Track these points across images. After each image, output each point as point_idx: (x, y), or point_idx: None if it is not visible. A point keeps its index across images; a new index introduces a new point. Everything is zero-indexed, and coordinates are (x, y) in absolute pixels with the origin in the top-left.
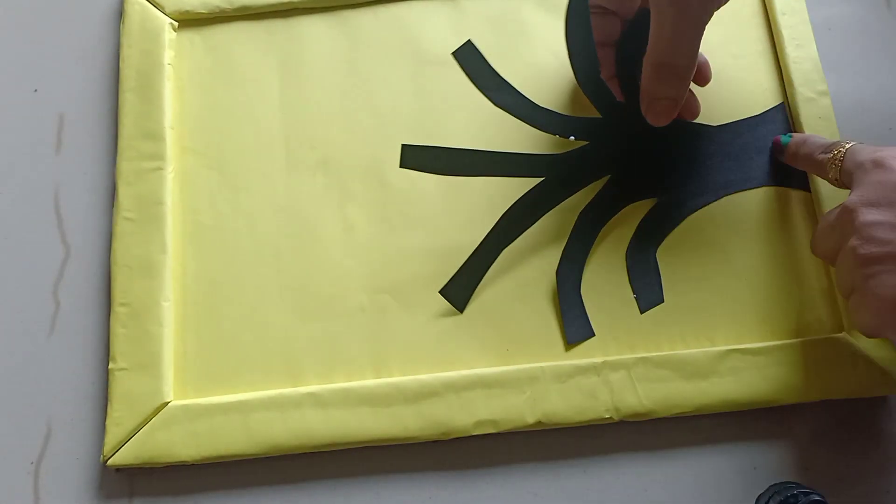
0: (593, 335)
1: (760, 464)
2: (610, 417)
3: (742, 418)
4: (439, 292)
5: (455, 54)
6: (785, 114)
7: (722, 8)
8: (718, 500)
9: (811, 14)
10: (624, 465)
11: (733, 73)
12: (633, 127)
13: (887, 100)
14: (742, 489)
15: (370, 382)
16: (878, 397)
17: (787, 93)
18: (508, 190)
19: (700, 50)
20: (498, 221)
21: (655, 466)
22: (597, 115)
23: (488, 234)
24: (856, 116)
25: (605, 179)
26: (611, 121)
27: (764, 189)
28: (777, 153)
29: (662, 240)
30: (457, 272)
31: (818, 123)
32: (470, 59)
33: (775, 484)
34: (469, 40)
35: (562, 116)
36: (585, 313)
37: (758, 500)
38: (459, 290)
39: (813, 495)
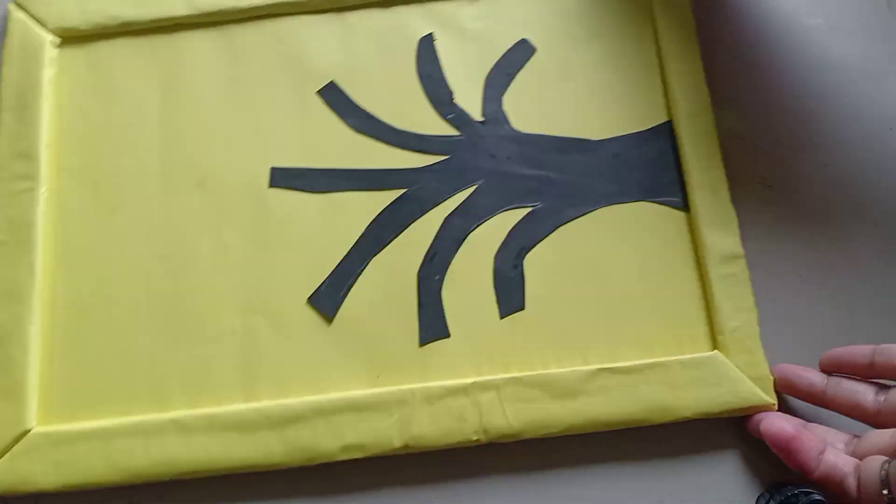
0: (448, 335)
1: (760, 464)
2: (478, 440)
3: (741, 419)
4: (307, 301)
5: (320, 93)
6: (671, 130)
7: (609, 22)
8: (719, 500)
9: (814, 13)
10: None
11: (617, 87)
12: (496, 141)
13: (888, 99)
14: (742, 489)
15: (236, 408)
16: None
17: (671, 107)
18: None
19: (585, 63)
20: (364, 232)
21: (657, 470)
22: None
23: (355, 243)
24: (856, 116)
25: (472, 188)
26: (470, 138)
27: (641, 204)
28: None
29: (533, 246)
30: (324, 281)
31: (700, 139)
32: (333, 96)
33: (775, 484)
34: (332, 81)
35: (423, 136)
36: (443, 313)
37: (758, 500)
38: (328, 299)
39: (813, 495)
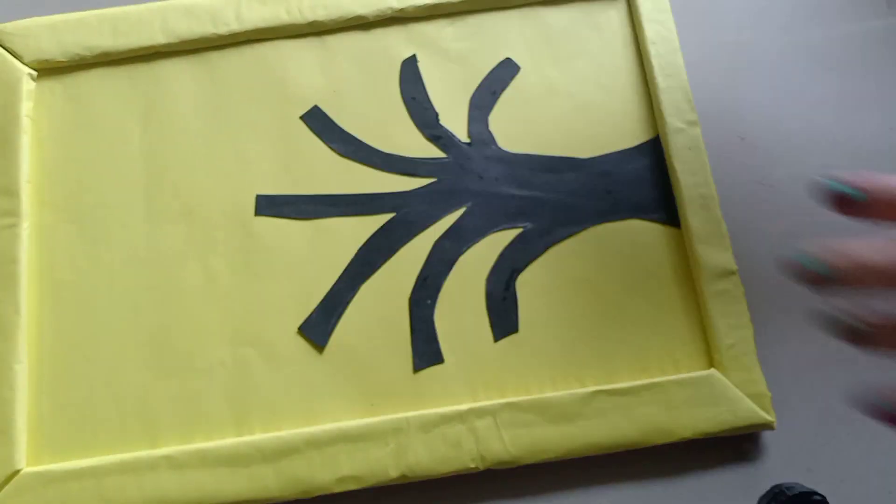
0: (442, 361)
1: (760, 464)
2: (475, 467)
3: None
4: (298, 329)
5: (303, 118)
6: (660, 147)
7: (592, 39)
8: (719, 500)
9: (814, 13)
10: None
11: (603, 104)
12: (483, 162)
13: (888, 99)
14: (742, 489)
15: (228, 442)
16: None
17: (658, 123)
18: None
19: (569, 81)
20: (353, 258)
21: (656, 491)
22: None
23: (344, 270)
24: (856, 116)
25: (461, 210)
26: (457, 159)
27: (632, 222)
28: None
29: (524, 267)
30: (315, 309)
31: (687, 154)
32: (317, 121)
33: (776, 484)
34: (315, 105)
35: (410, 159)
36: (436, 338)
37: (759, 500)
38: (319, 327)
39: (814, 495)
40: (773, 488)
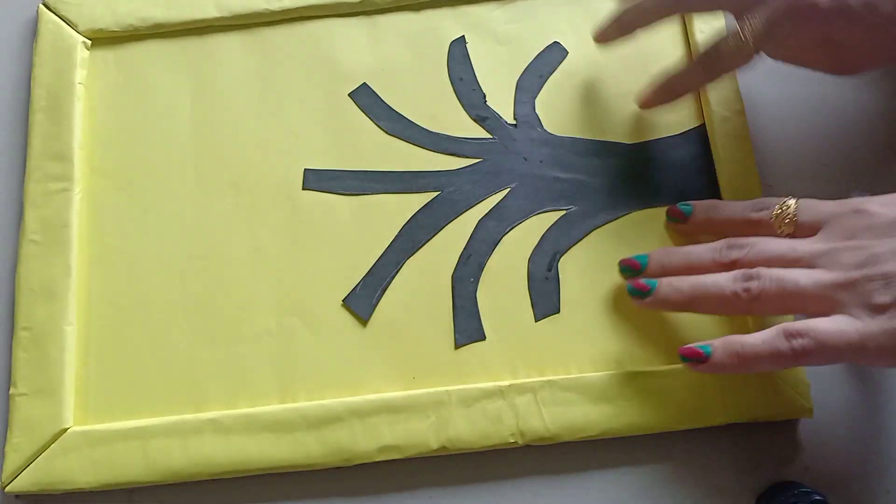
0: (484, 338)
1: (760, 464)
2: (515, 442)
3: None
4: (342, 302)
5: (351, 95)
6: (704, 134)
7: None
8: (719, 500)
9: None
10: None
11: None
12: (528, 144)
13: (889, 100)
14: (742, 489)
15: (273, 408)
16: (876, 397)
17: (704, 112)
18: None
19: (616, 66)
20: (398, 234)
21: (657, 473)
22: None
23: (389, 245)
24: (857, 116)
25: (506, 191)
26: (503, 140)
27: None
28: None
29: (567, 249)
30: (359, 282)
31: (733, 143)
32: (366, 99)
33: (775, 484)
34: (364, 83)
35: (456, 139)
36: (478, 316)
37: (758, 500)
38: (363, 300)
39: (813, 495)
40: (771, 487)
